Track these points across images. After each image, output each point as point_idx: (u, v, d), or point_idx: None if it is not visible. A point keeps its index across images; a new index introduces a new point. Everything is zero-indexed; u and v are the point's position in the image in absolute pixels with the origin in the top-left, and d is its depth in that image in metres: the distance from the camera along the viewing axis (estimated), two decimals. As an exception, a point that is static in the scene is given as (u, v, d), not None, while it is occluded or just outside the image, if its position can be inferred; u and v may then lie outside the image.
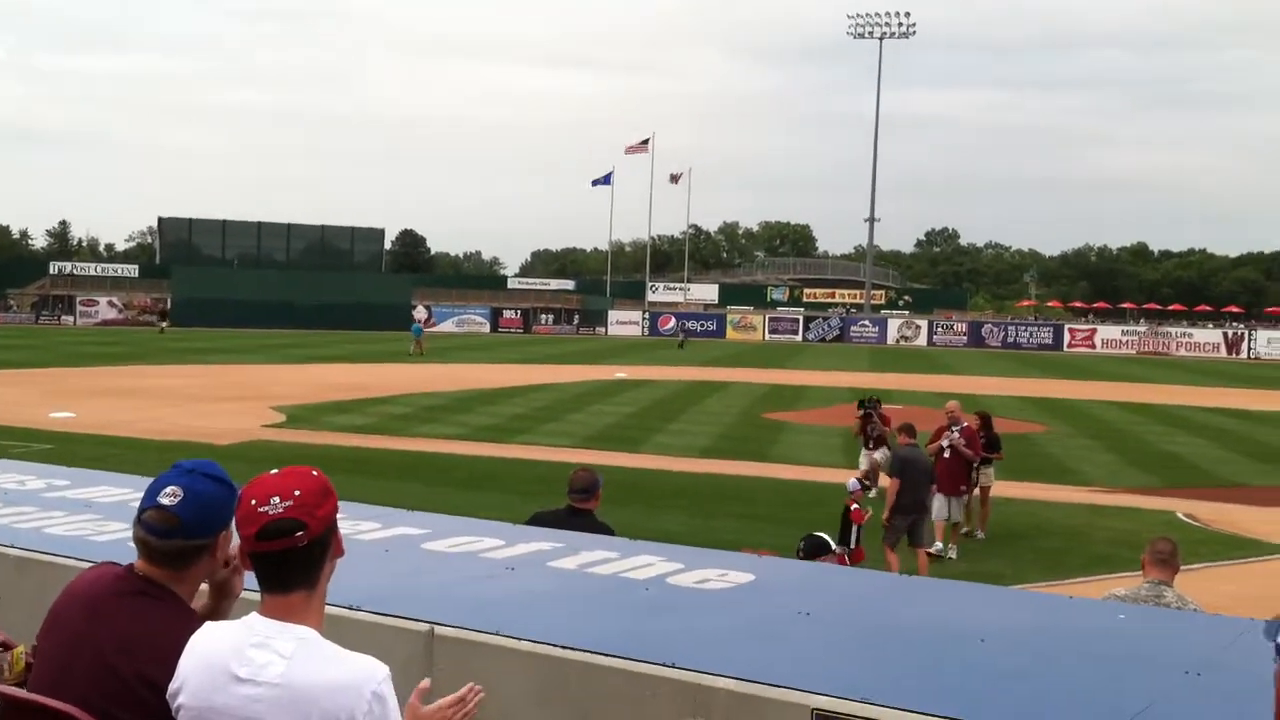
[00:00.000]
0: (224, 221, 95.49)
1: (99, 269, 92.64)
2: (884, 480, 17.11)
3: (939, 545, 15.32)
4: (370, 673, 2.66)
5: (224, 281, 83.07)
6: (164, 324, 72.74)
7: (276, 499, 2.66)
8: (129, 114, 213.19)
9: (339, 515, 2.81)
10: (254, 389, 36.05)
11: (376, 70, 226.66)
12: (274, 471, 2.77)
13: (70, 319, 78.19)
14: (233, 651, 2.66)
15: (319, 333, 72.41)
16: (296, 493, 2.67)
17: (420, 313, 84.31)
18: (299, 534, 2.64)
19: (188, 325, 74.30)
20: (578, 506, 8.16)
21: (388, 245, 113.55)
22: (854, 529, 13.59)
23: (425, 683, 2.90)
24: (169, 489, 2.98)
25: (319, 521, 2.68)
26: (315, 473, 2.77)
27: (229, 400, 32.66)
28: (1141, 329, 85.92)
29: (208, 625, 2.80)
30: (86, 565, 4.00)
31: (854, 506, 13.55)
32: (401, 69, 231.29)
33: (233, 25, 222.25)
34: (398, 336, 72.82)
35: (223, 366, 45.44)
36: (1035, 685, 3.59)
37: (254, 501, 2.67)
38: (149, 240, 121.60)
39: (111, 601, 2.99)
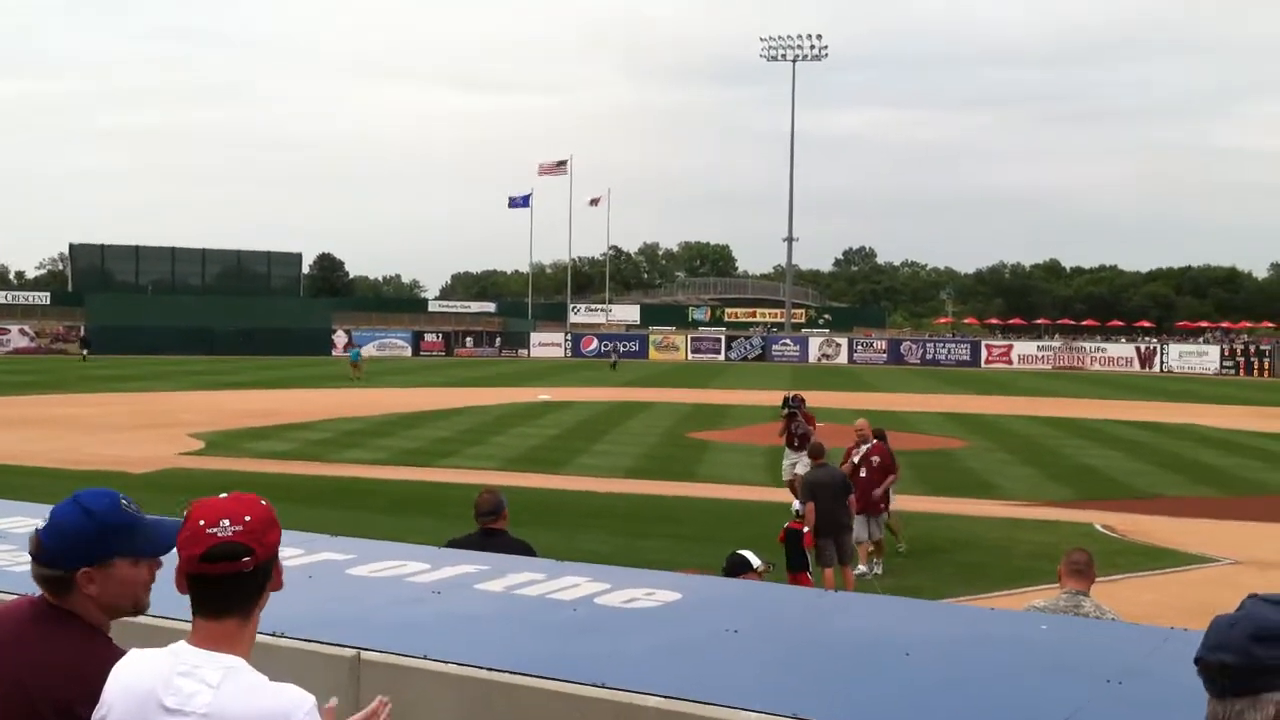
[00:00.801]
0: (137, 247, 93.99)
1: (9, 297, 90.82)
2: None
3: (861, 568, 15.41)
4: (297, 703, 2.63)
5: (139, 308, 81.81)
6: (85, 351, 71.49)
7: (226, 522, 2.62)
8: (33, 140, 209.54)
9: None
10: (170, 416, 35.51)
11: (289, 92, 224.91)
12: (222, 495, 2.73)
13: (-20, 348, 76.55)
14: (160, 680, 2.62)
15: (237, 359, 71.50)
16: (247, 518, 2.64)
17: (340, 337, 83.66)
18: (246, 559, 2.60)
19: (102, 353, 73.05)
20: (491, 528, 8.19)
21: (306, 269, 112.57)
22: (806, 553, 13.69)
23: (333, 701, 2.89)
24: (48, 514, 2.96)
25: (265, 549, 2.65)
26: (264, 501, 2.73)
27: (145, 428, 32.14)
28: (1056, 344, 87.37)
29: (132, 653, 2.75)
30: (3, 596, 3.92)
31: (806, 530, 13.64)
32: (313, 90, 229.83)
33: (138, 48, 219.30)
34: (317, 361, 72.12)
35: (138, 394, 44.69)
36: (960, 697, 3.63)
37: (202, 522, 2.63)
38: (60, 267, 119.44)
39: (24, 628, 2.92)
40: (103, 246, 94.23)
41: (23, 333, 79.10)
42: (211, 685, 2.59)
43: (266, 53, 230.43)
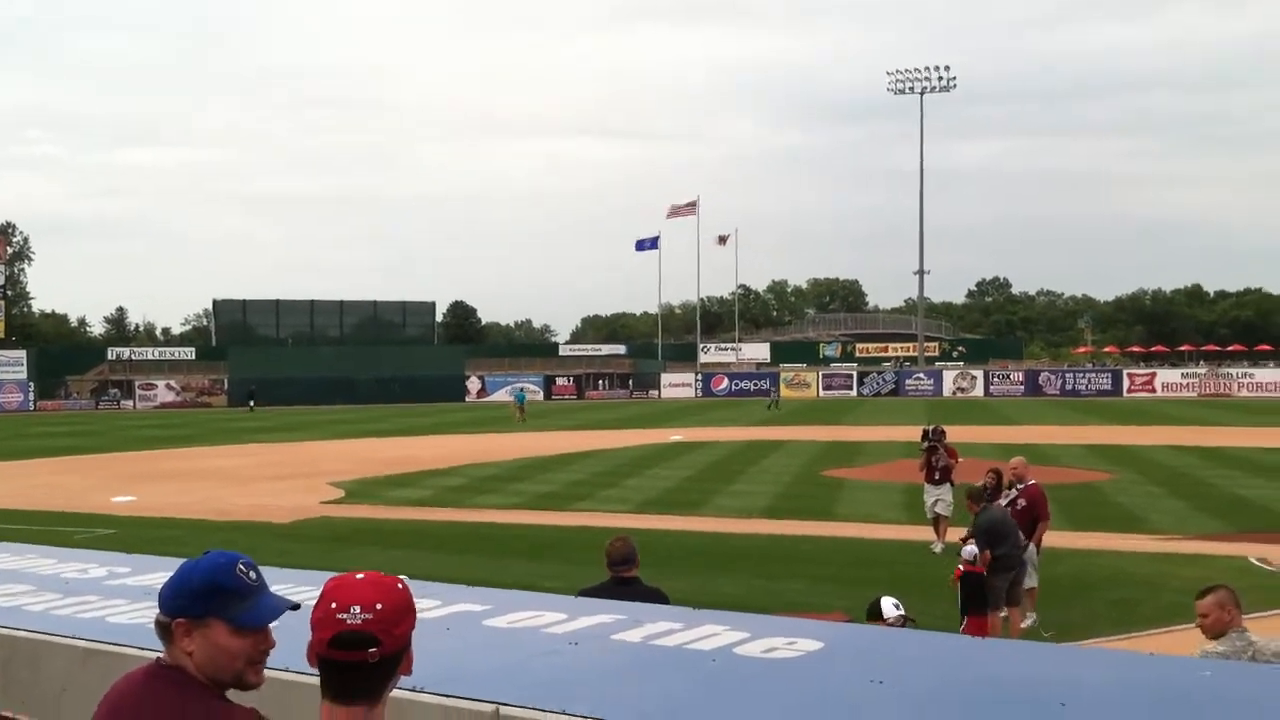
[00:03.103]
0: (277, 301, 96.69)
1: (156, 353, 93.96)
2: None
3: (1031, 615, 14.89)
4: None
5: (279, 360, 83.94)
6: (252, 403, 73.57)
7: (357, 609, 2.54)
8: (179, 203, 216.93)
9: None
10: (312, 466, 36.26)
11: (421, 149, 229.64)
12: (359, 576, 2.66)
13: (129, 403, 79.16)
14: None
15: (374, 407, 72.90)
16: (379, 606, 2.56)
17: (474, 383, 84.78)
18: (371, 650, 2.53)
19: (241, 405, 75.08)
20: (624, 576, 8.10)
21: (439, 317, 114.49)
22: (986, 596, 13.35)
23: None
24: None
25: (394, 639, 2.57)
26: (400, 585, 2.65)
27: (287, 478, 32.85)
28: (1202, 371, 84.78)
29: None
30: (151, 655, 3.96)
31: (985, 573, 13.32)
32: (442, 145, 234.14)
33: (272, 115, 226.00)
34: (452, 408, 73.16)
35: (280, 445, 45.78)
36: (1123, 750, 3.46)
37: (334, 605, 2.56)
38: (204, 323, 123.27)
39: (138, 690, 2.90)
40: (244, 301, 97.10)
41: (169, 387, 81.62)
42: None
43: (398, 112, 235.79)
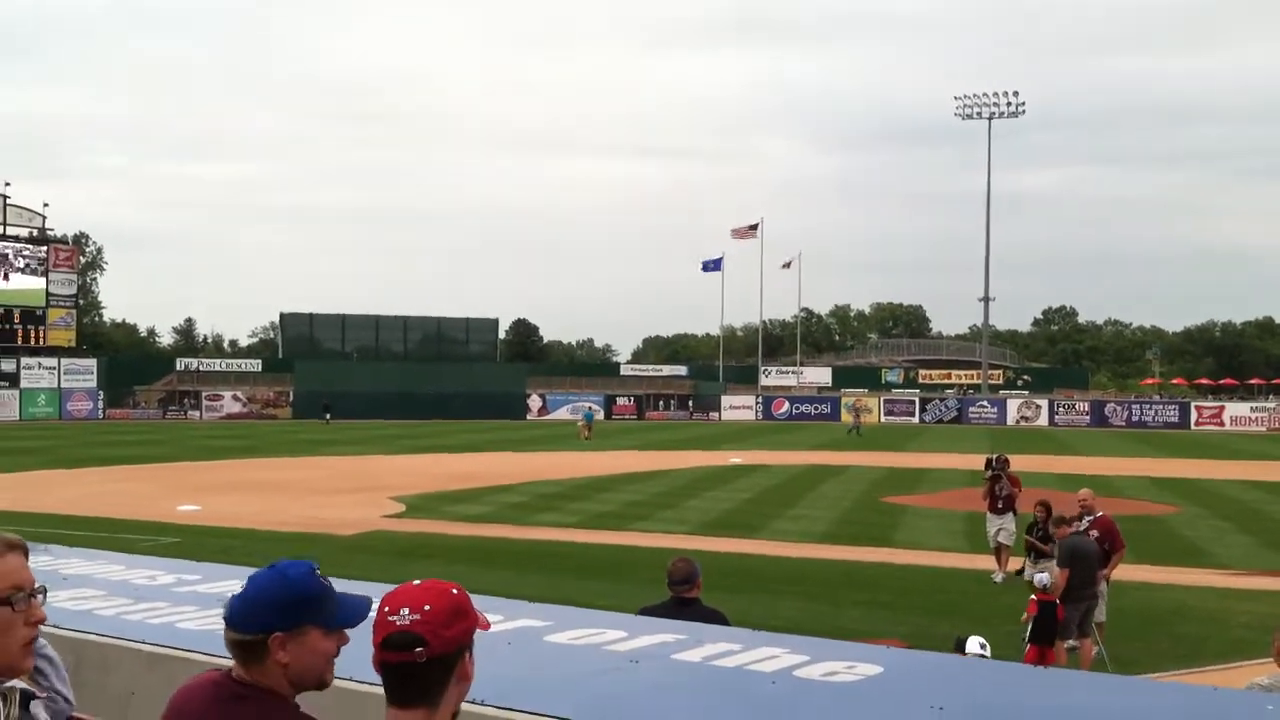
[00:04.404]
0: (343, 316, 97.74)
1: (224, 364, 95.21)
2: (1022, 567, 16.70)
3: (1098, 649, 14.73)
4: None
5: (344, 374, 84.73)
6: (328, 415, 74.36)
7: (406, 610, 2.59)
8: (243, 215, 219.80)
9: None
10: (374, 479, 36.54)
11: (489, 168, 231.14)
12: (416, 583, 2.70)
13: (196, 414, 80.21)
14: None
15: (436, 422, 73.34)
16: (426, 607, 2.60)
17: (535, 401, 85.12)
18: (418, 650, 2.56)
19: (308, 418, 75.86)
20: (684, 597, 8.11)
21: (502, 335, 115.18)
22: (1057, 627, 13.26)
23: None
24: (247, 580, 3.00)
25: (444, 641, 2.59)
26: (455, 590, 2.67)
27: (349, 491, 33.13)
28: (1272, 405, 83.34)
29: None
30: (218, 661, 4.05)
31: (1059, 604, 13.23)
32: (511, 164, 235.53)
33: (345, 131, 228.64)
34: (513, 425, 73.47)
35: (343, 458, 46.18)
36: (1185, 784, 3.44)
37: (386, 609, 2.62)
38: (271, 335, 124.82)
39: (210, 710, 2.95)
40: (311, 315, 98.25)
41: (235, 399, 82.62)
42: None
43: (469, 132, 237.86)
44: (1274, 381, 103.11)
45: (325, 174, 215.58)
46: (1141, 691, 5.22)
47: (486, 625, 2.75)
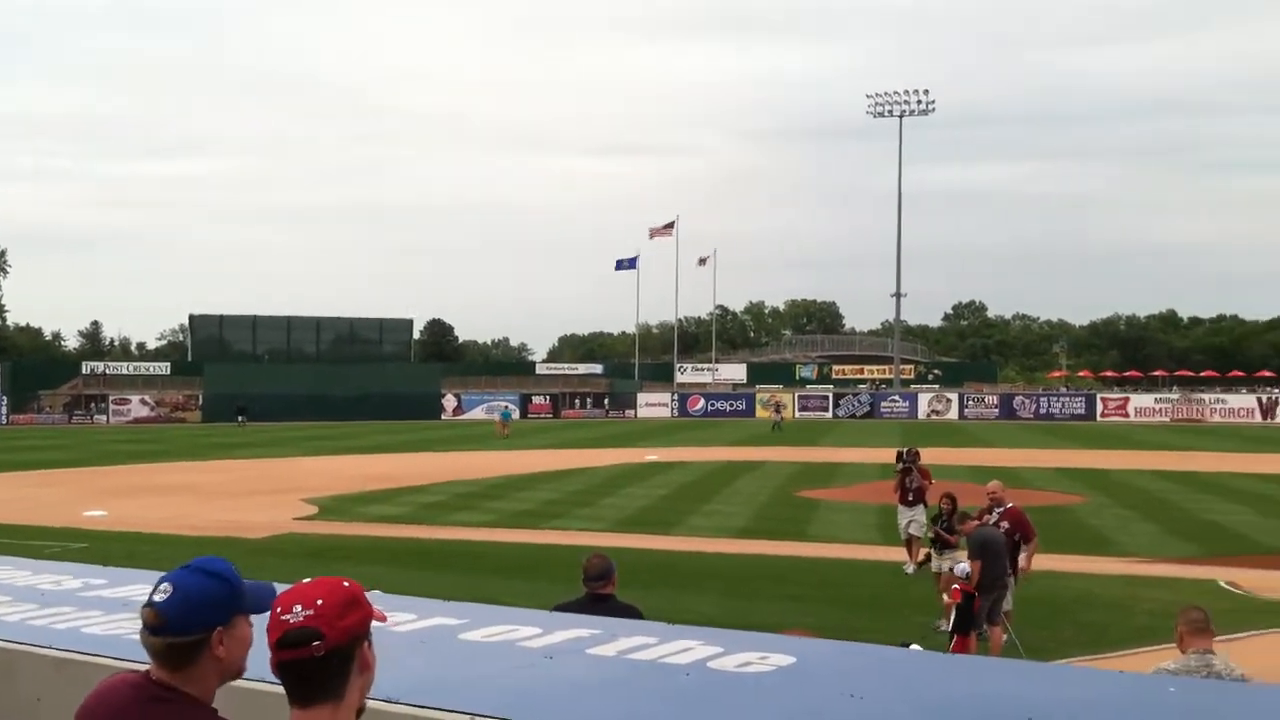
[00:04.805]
0: (254, 317, 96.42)
1: (131, 368, 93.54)
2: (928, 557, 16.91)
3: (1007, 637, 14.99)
4: None
5: (255, 376, 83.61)
6: (241, 419, 73.27)
7: (299, 607, 2.58)
8: (153, 215, 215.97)
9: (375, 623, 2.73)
10: (286, 482, 36.13)
11: (389, 162, 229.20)
12: (306, 581, 2.71)
13: (103, 418, 78.71)
14: None
15: (350, 424, 72.66)
16: (319, 602, 2.59)
17: (450, 401, 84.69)
18: (315, 644, 2.54)
19: (219, 421, 74.79)
20: (600, 593, 8.14)
21: (416, 335, 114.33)
22: (974, 616, 13.53)
23: None
24: (163, 585, 2.94)
25: (340, 632, 2.58)
26: (347, 583, 2.68)
27: (261, 494, 32.73)
28: (1175, 396, 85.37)
29: None
30: (125, 664, 3.98)
31: (977, 595, 13.50)
32: (417, 162, 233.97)
33: (242, 123, 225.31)
34: (428, 425, 73.01)
35: (255, 461, 45.60)
36: (1089, 764, 3.51)
37: (279, 609, 2.61)
38: (180, 338, 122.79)
39: (129, 713, 2.91)
40: (221, 317, 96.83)
41: (143, 402, 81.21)
42: None
43: (383, 130, 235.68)
44: (1177, 373, 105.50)
45: (234, 173, 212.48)
46: (1049, 676, 5.31)
47: (383, 617, 2.74)
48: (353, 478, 37.25)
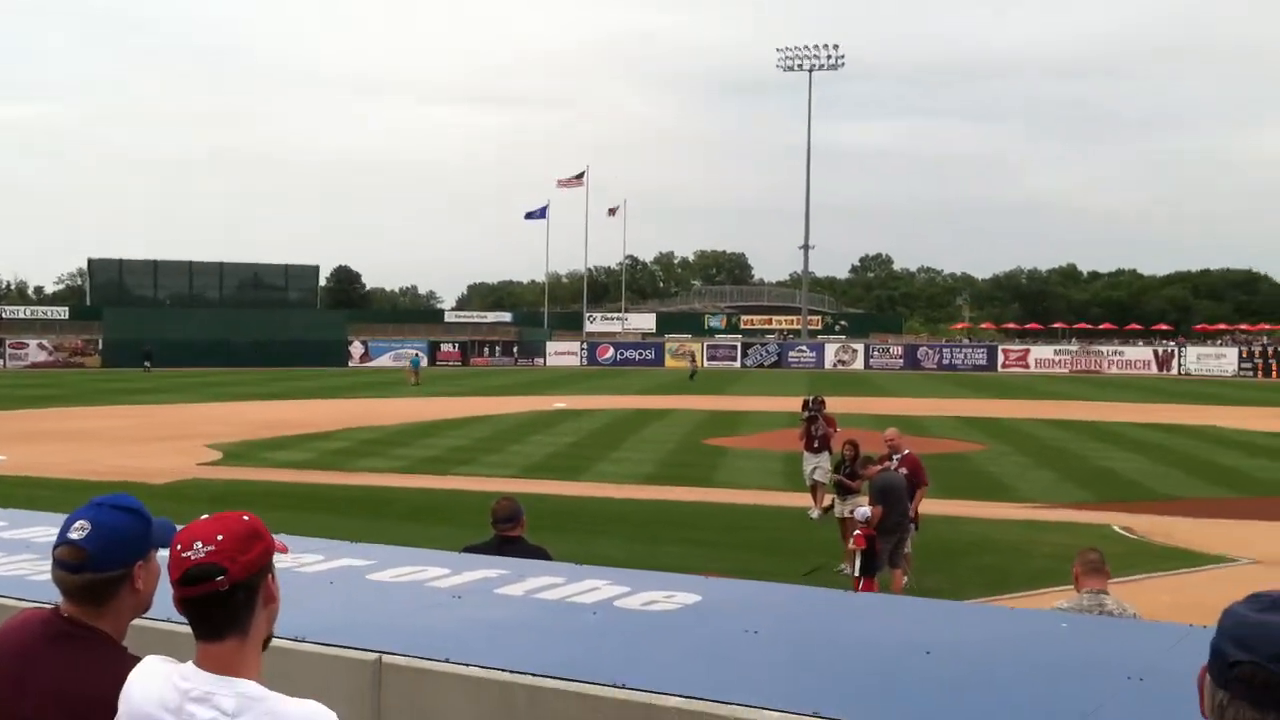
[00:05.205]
0: (155, 262, 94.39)
1: (29, 311, 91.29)
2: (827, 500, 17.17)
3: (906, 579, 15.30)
4: None
5: (156, 322, 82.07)
6: (147, 364, 71.84)
7: (199, 544, 2.57)
8: (52, 159, 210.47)
9: (279, 558, 2.74)
10: (189, 428, 35.62)
11: (307, 110, 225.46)
12: (204, 517, 2.68)
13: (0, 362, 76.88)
14: (173, 706, 2.56)
15: (254, 370, 71.71)
16: (219, 537, 2.58)
17: (357, 348, 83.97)
18: (219, 578, 2.54)
19: (119, 366, 73.38)
20: (508, 535, 8.20)
21: (322, 282, 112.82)
22: (877, 558, 13.83)
23: None
24: (78, 523, 2.92)
25: (242, 567, 2.57)
26: (246, 517, 2.67)
27: (163, 440, 32.24)
28: (1074, 348, 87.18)
29: (140, 671, 2.68)
30: (27, 604, 3.95)
31: (876, 538, 13.81)
32: (330, 108, 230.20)
33: (151, 70, 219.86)
34: (334, 372, 72.34)
35: (156, 407, 44.83)
36: (981, 696, 3.63)
37: (179, 547, 2.60)
38: (79, 282, 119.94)
39: (38, 648, 2.90)
40: (121, 261, 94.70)
41: (41, 347, 79.41)
42: (229, 714, 2.53)
43: (284, 73, 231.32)
44: (1076, 326, 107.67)
45: (139, 117, 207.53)
46: (946, 614, 5.45)
47: (284, 549, 2.76)
48: (257, 424, 36.83)
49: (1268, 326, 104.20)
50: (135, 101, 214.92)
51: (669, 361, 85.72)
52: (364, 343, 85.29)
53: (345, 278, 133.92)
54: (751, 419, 40.13)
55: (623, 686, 3.58)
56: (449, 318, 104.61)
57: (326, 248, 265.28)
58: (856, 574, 13.55)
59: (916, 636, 4.31)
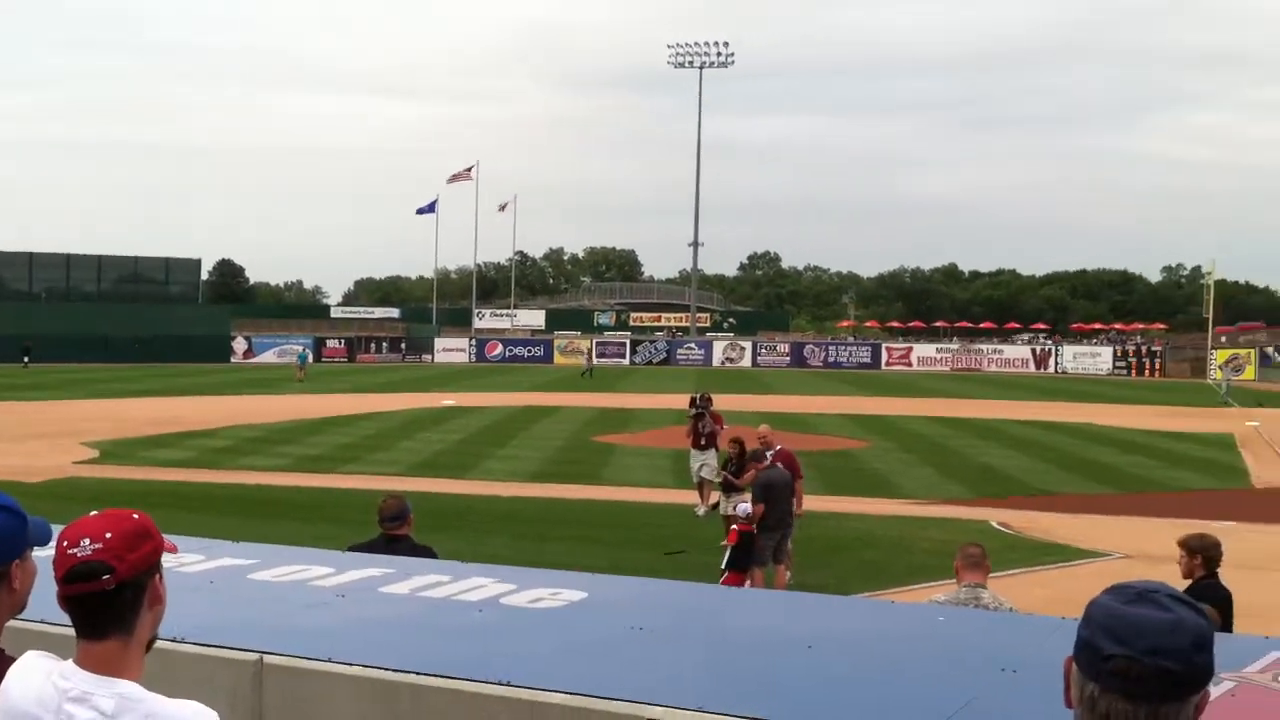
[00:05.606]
0: (30, 254, 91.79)
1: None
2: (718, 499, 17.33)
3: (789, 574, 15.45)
4: None
5: (31, 316, 79.80)
6: (26, 359, 69.71)
7: (86, 541, 2.52)
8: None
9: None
10: (65, 425, 34.70)
11: (188, 101, 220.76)
12: (93, 514, 2.64)
13: None
14: (51, 705, 2.50)
15: (134, 366, 70.10)
16: (108, 535, 2.53)
17: (240, 344, 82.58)
18: (105, 577, 2.49)
19: (12, 362, 71.33)
20: (394, 534, 8.15)
21: (205, 276, 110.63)
22: (754, 554, 13.92)
23: None
24: None
25: (129, 566, 2.52)
26: (136, 515, 2.62)
27: (40, 437, 31.37)
28: (955, 347, 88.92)
29: (18, 667, 2.62)
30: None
31: (756, 534, 13.89)
32: (214, 99, 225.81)
33: (31, 55, 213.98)
34: (216, 369, 71.02)
35: (33, 403, 43.59)
36: (860, 687, 3.71)
37: (65, 543, 2.55)
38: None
39: None
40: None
41: (-92, 341, 76.70)
42: (107, 714, 2.48)
43: (171, 58, 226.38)
44: (958, 324, 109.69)
45: (17, 105, 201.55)
46: (828, 608, 5.55)
47: (173, 548, 2.72)
48: (137, 421, 36.02)
49: (1141, 326, 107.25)
50: (11, 88, 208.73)
51: (558, 359, 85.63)
52: (248, 338, 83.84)
53: (228, 271, 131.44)
54: (640, 416, 40.27)
55: (508, 684, 3.59)
56: (335, 313, 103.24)
57: (209, 241, 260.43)
58: (723, 567, 13.65)
59: (799, 631, 4.39)
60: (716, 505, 17.97)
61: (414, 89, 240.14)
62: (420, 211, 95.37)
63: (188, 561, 5.38)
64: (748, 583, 13.42)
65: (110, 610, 2.54)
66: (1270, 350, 79.03)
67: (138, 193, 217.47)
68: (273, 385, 55.98)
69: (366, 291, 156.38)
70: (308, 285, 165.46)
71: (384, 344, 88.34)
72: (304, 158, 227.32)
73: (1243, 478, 27.60)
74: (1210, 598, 7.56)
